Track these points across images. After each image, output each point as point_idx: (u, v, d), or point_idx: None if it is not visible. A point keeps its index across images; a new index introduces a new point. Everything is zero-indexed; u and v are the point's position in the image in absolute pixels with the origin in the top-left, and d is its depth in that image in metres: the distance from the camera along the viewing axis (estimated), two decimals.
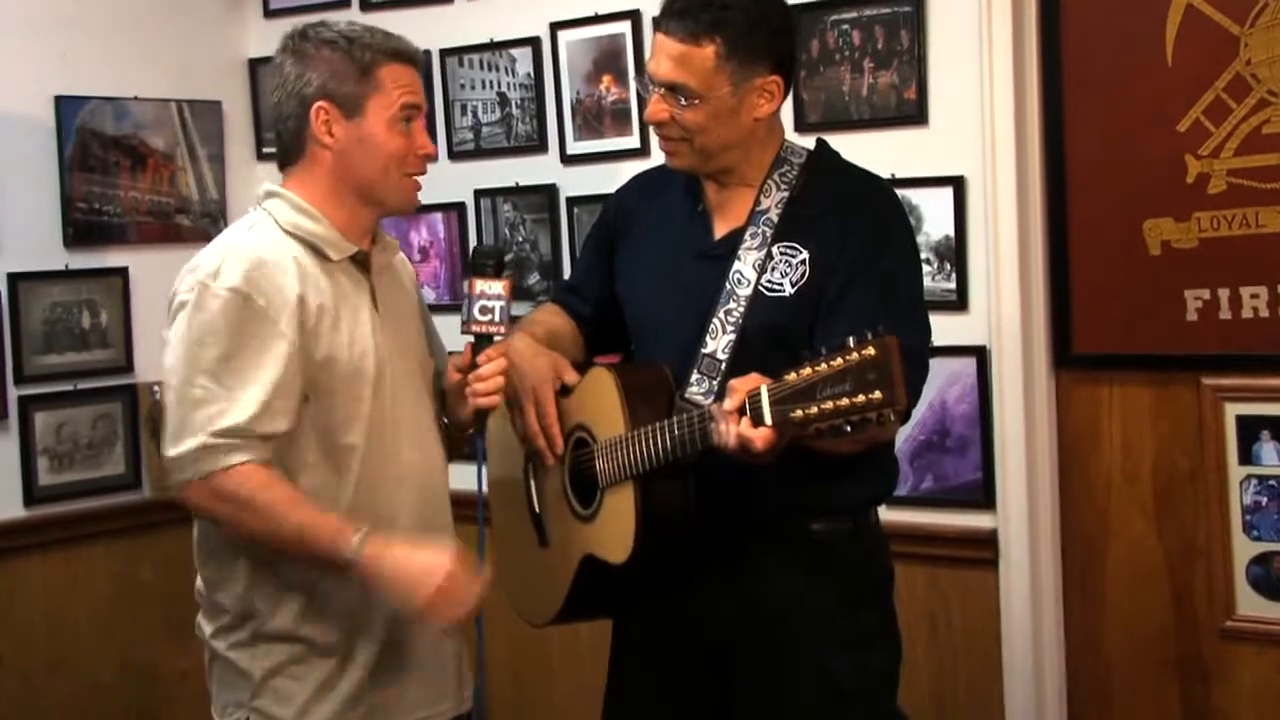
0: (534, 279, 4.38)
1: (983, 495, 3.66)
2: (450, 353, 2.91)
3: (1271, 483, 3.39)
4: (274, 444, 2.56)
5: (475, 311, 2.70)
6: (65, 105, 4.39)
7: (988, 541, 3.65)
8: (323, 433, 2.63)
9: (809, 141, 2.87)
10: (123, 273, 4.52)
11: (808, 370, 2.36)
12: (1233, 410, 3.42)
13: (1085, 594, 3.67)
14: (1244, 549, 3.43)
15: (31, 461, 4.31)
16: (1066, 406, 3.66)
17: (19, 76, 4.32)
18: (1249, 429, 3.41)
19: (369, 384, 2.66)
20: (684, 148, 2.73)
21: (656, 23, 2.71)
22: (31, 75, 4.34)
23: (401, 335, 2.78)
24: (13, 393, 4.29)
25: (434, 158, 2.76)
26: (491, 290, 2.71)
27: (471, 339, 2.73)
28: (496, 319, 2.70)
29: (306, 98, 2.64)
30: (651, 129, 2.78)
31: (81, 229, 4.43)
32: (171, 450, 2.54)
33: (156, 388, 4.54)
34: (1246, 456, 3.41)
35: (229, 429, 2.51)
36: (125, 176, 4.53)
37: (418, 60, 2.74)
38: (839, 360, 2.33)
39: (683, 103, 2.66)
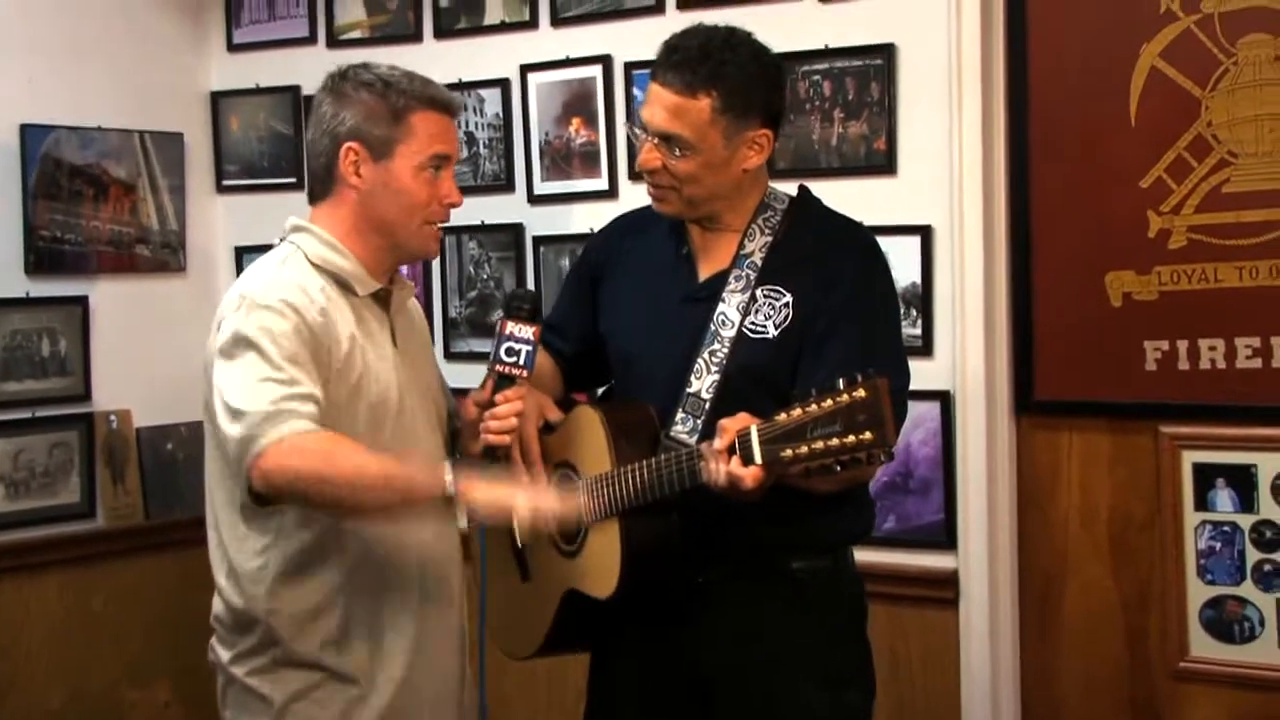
0: (498, 316, 4.40)
1: (944, 536, 3.74)
2: (456, 390, 2.96)
3: (1225, 528, 3.50)
4: None
5: (502, 352, 2.75)
6: (30, 134, 4.38)
7: (948, 581, 3.73)
8: None
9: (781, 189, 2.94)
10: (82, 301, 4.51)
11: (798, 411, 2.44)
12: (1189, 458, 3.52)
13: (1042, 634, 3.75)
14: (1198, 592, 3.53)
15: None
16: (1027, 451, 3.75)
17: None
18: (1205, 476, 3.52)
19: (391, 416, 2.70)
20: (673, 195, 2.79)
21: (653, 71, 2.76)
22: None
23: (416, 372, 2.83)
24: None
25: (459, 205, 2.78)
26: (521, 334, 2.75)
27: (494, 377, 2.76)
28: (521, 362, 2.74)
29: (338, 136, 2.68)
30: (643, 175, 2.82)
31: (43, 257, 4.42)
32: (235, 428, 2.50)
33: (113, 417, 4.56)
34: (1202, 503, 3.52)
35: (292, 395, 2.51)
36: (88, 205, 4.52)
37: (453, 108, 2.77)
38: (829, 401, 2.40)
39: (676, 153, 2.71)
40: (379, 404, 2.69)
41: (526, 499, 2.53)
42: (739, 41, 2.75)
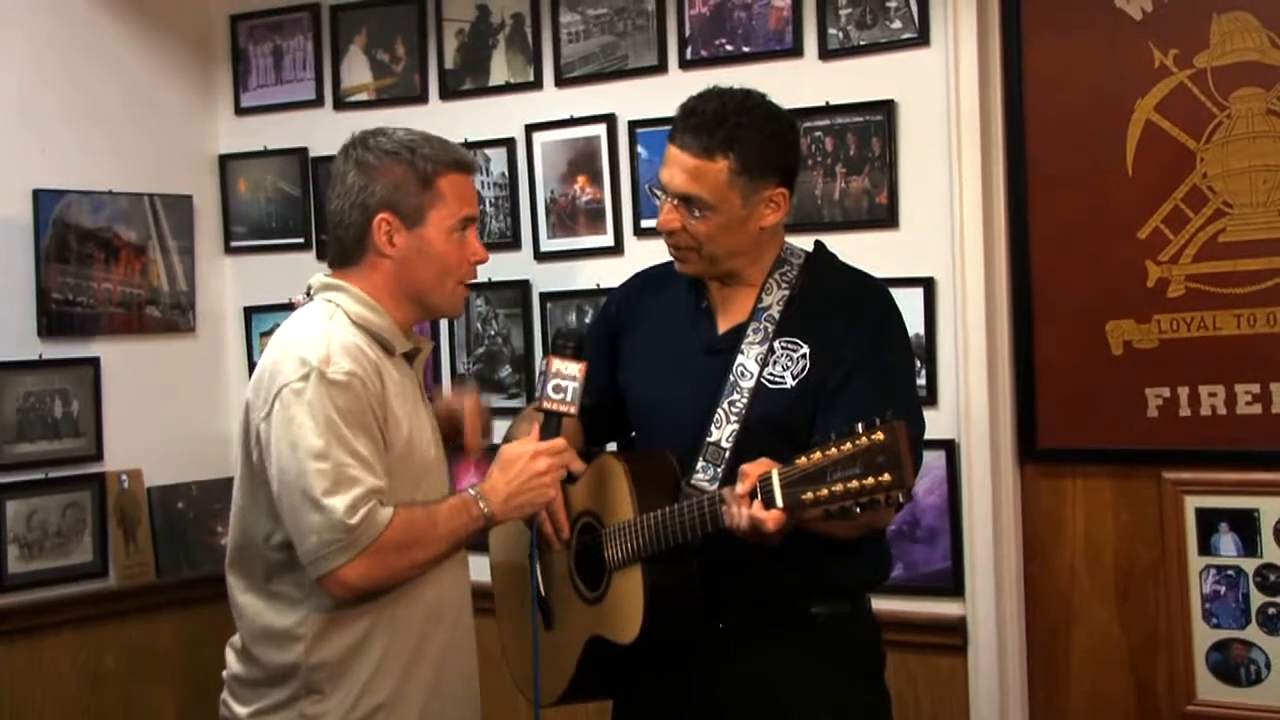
0: (506, 372, 4.49)
1: (951, 583, 3.80)
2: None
3: (1230, 572, 3.56)
4: None
5: (549, 389, 2.79)
6: (43, 199, 4.45)
7: (956, 628, 3.78)
8: None
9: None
10: (94, 363, 4.56)
11: (818, 455, 2.50)
12: (1192, 503, 3.59)
13: (1050, 679, 3.80)
14: (1204, 636, 3.59)
15: (2, 549, 4.32)
16: (1032, 499, 3.82)
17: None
18: (1208, 521, 3.58)
19: (430, 471, 2.77)
20: (692, 255, 2.86)
21: (670, 134, 2.83)
22: (12, 169, 4.41)
23: (434, 426, 2.88)
24: None
25: (486, 262, 2.85)
26: (568, 371, 2.79)
27: (541, 415, 2.82)
28: (568, 399, 2.79)
29: (370, 208, 2.72)
30: (663, 235, 2.88)
31: (55, 320, 4.48)
32: (315, 519, 2.58)
33: (125, 477, 4.60)
34: (1206, 547, 3.58)
35: (370, 490, 2.59)
36: (99, 268, 4.58)
37: (474, 167, 2.86)
38: (848, 445, 2.47)
39: (695, 214, 2.78)
40: (421, 460, 2.76)
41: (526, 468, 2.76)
42: (754, 104, 2.82)
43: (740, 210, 2.79)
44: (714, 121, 2.77)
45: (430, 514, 2.69)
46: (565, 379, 2.80)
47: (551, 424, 2.80)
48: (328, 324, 2.70)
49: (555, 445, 2.77)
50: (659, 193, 2.85)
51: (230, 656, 2.83)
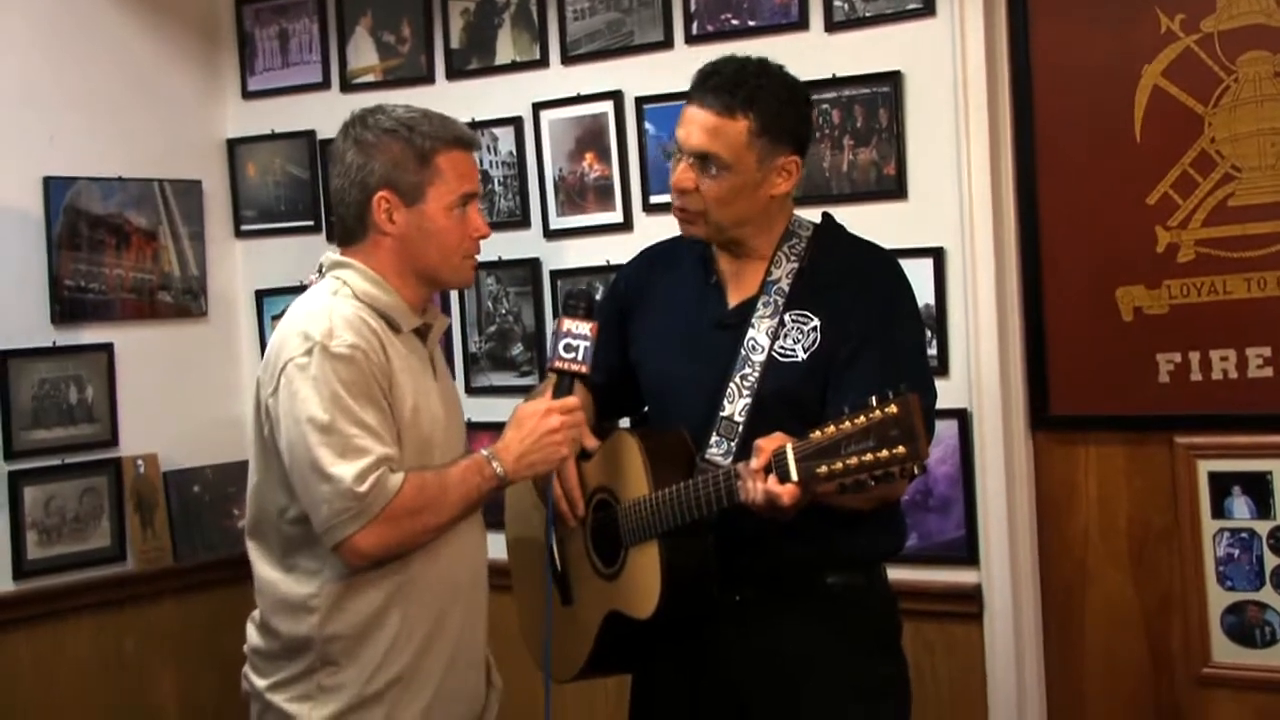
0: (517, 350, 4.50)
1: (966, 552, 3.81)
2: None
3: (1243, 535, 3.57)
4: None
5: (560, 349, 2.81)
6: (53, 186, 4.46)
7: (972, 596, 3.80)
8: None
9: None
10: (108, 348, 4.58)
11: (831, 428, 2.51)
12: (1205, 467, 3.60)
13: (1066, 645, 3.82)
14: (1218, 599, 3.60)
15: (21, 536, 4.35)
16: (1044, 466, 3.82)
17: (9, 159, 4.40)
18: (1220, 484, 3.59)
19: (437, 447, 2.79)
20: (700, 219, 2.86)
21: (689, 96, 2.84)
22: (21, 157, 4.42)
23: (450, 402, 2.91)
24: (2, 468, 4.34)
25: (488, 237, 2.87)
26: (579, 330, 2.82)
27: (554, 376, 2.84)
28: (580, 358, 2.81)
29: (369, 186, 2.75)
30: (673, 196, 2.88)
31: (68, 306, 4.50)
32: (325, 489, 2.61)
33: (140, 461, 4.62)
34: (1219, 510, 3.59)
35: (379, 458, 2.62)
36: (110, 254, 4.60)
37: (475, 144, 2.87)
38: (862, 418, 2.48)
39: (712, 172, 2.79)
40: (427, 438, 2.77)
41: (541, 425, 2.77)
42: (772, 70, 2.85)
43: (755, 173, 2.80)
44: (735, 81, 2.79)
45: (441, 478, 2.71)
46: (576, 338, 2.82)
47: (564, 384, 2.82)
48: (331, 300, 2.74)
49: (568, 404, 2.79)
50: (675, 151, 2.86)
51: (250, 630, 2.87)
